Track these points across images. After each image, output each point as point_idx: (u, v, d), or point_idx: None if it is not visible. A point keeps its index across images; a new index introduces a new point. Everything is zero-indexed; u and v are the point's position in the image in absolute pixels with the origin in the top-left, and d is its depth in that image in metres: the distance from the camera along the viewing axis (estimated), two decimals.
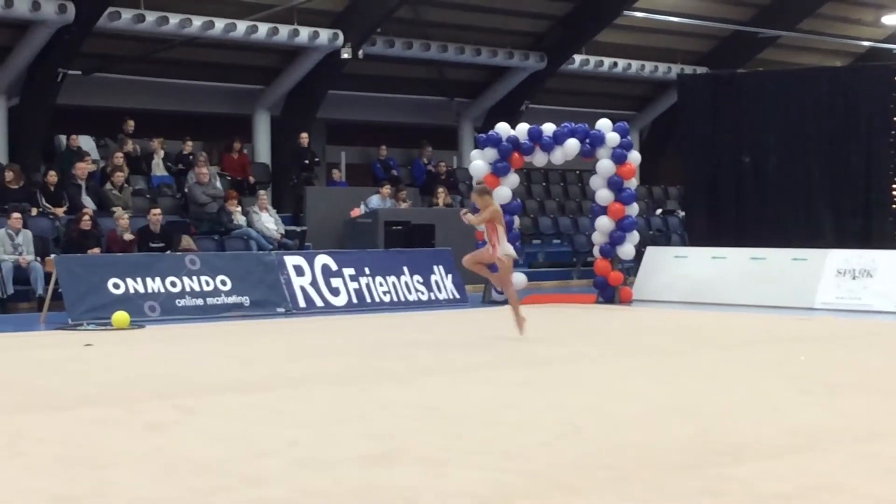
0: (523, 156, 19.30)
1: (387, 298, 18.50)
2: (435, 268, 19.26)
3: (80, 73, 23.13)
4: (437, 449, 6.85)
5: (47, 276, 17.20)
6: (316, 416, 8.11)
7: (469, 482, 5.96)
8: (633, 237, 19.17)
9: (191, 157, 23.50)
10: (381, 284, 18.54)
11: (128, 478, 6.14)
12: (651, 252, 20.67)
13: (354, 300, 18.03)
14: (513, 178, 19.50)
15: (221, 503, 5.59)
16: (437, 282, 19.16)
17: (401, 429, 7.56)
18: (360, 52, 24.77)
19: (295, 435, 7.32)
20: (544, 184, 29.87)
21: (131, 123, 23.31)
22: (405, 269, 18.93)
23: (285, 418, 8.01)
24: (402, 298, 18.63)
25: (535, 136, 19.17)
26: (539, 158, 19.41)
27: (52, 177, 20.83)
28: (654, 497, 5.66)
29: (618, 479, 6.05)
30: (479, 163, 19.34)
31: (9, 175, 20.53)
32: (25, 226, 18.80)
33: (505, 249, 13.47)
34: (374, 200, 23.51)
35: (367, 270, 18.44)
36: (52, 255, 17.16)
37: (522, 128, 19.42)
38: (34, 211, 20.16)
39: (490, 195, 14.15)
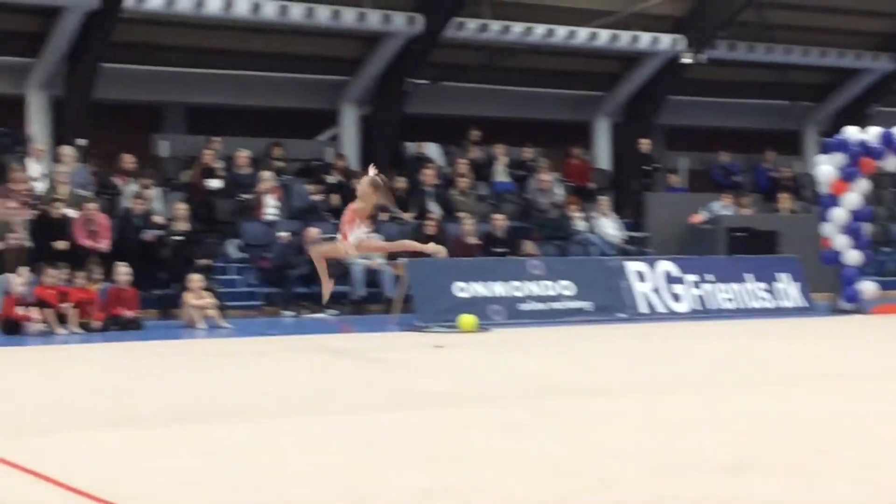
0: (874, 160, 18.61)
1: (730, 305, 18.22)
2: (779, 275, 18.86)
3: (427, 82, 23.82)
4: (800, 459, 6.66)
5: (396, 279, 17.79)
6: (672, 422, 8.04)
7: (842, 497, 5.76)
8: None
9: (531, 163, 23.81)
10: (724, 291, 18.29)
11: (490, 476, 6.24)
12: None
13: (697, 306, 17.84)
14: (862, 184, 18.84)
15: None
16: (781, 289, 18.75)
17: (759, 437, 7.40)
18: (703, 57, 24.50)
19: (652, 440, 7.28)
20: (895, 189, 28.60)
21: (477, 133, 23.81)
22: (748, 275, 18.61)
23: (640, 423, 7.98)
24: (746, 305, 18.31)
25: (887, 139, 18.45)
26: (891, 163, 18.69)
27: (402, 183, 21.53)
28: None
29: None
30: (826, 167, 18.79)
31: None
32: (377, 231, 19.49)
33: (353, 241, 11.98)
34: (716, 206, 23.21)
35: (709, 277, 18.22)
36: (402, 259, 17.74)
37: (874, 131, 18.72)
38: (385, 216, 20.86)
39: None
